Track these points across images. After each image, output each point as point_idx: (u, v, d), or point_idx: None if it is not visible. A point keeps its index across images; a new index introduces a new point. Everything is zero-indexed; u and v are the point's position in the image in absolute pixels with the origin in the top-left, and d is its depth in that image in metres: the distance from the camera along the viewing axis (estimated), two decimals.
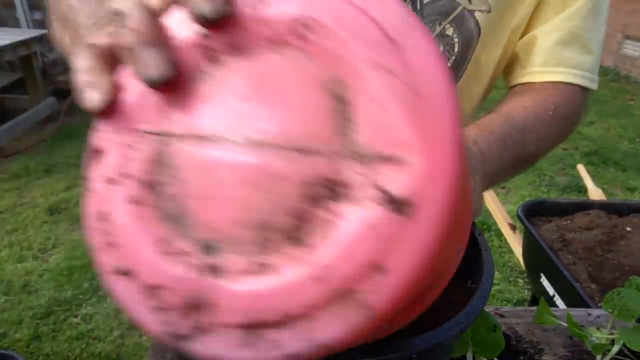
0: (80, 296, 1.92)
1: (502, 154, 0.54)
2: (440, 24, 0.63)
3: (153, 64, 0.21)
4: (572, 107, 0.65)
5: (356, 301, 0.17)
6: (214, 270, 0.19)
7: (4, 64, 3.81)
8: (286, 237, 0.18)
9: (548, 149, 0.65)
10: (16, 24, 3.81)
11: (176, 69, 0.21)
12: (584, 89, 0.67)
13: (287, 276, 0.18)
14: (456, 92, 0.59)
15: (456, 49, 0.64)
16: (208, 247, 0.19)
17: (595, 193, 1.82)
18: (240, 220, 0.19)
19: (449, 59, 0.66)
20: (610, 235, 1.25)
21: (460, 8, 0.62)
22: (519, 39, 0.68)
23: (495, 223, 2.01)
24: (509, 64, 0.71)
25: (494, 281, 2.10)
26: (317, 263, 0.17)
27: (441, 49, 0.64)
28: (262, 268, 0.18)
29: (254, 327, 0.18)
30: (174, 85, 0.21)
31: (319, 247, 0.17)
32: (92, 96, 0.24)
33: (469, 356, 0.50)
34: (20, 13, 3.78)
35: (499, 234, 2.23)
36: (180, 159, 0.20)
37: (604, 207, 1.39)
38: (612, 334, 0.55)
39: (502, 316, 0.65)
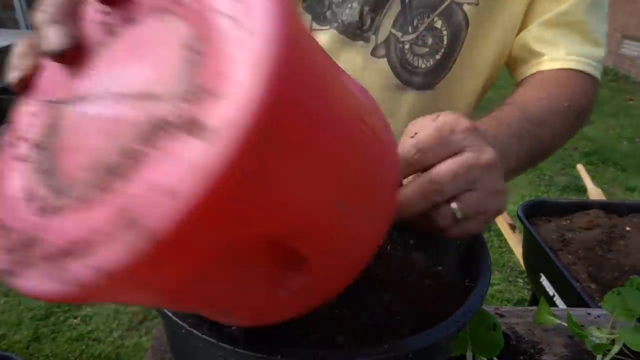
0: None
1: (518, 150, 0.53)
2: (428, 17, 0.63)
3: (53, 38, 0.25)
4: (586, 97, 0.64)
5: (142, 227, 0.17)
6: (52, 210, 0.21)
7: (3, 66, 3.82)
8: (113, 174, 0.19)
9: (562, 142, 0.63)
10: (15, 26, 3.81)
11: (73, 42, 0.25)
12: (594, 80, 0.66)
13: (93, 209, 0.19)
14: (447, 84, 0.56)
15: (445, 42, 0.65)
16: (57, 191, 0.21)
17: (594, 193, 1.82)
18: (84, 165, 0.21)
19: (437, 51, 0.65)
20: (610, 235, 1.25)
21: (448, 1, 0.62)
22: (517, 34, 0.67)
23: (494, 223, 2.01)
24: (514, 62, 0.70)
25: (494, 281, 2.10)
26: (119, 194, 0.18)
27: (430, 41, 0.64)
28: (82, 203, 0.20)
29: (61, 257, 0.19)
30: (76, 58, 0.24)
31: (129, 180, 0.18)
32: (12, 75, 0.29)
33: (469, 355, 0.50)
34: (19, 14, 3.78)
35: (499, 234, 2.23)
36: (64, 121, 0.24)
37: (604, 207, 1.39)
38: (612, 333, 0.55)
39: (502, 316, 0.65)
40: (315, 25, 0.64)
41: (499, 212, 0.40)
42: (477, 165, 0.37)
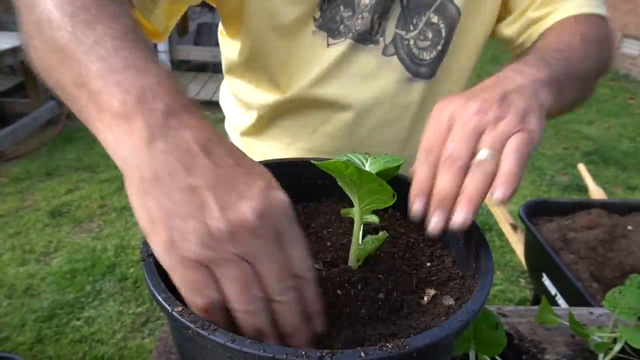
0: (83, 299, 1.93)
1: (543, 65, 0.52)
2: (425, 14, 0.70)
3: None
4: (599, 31, 0.66)
5: None
6: None
7: (5, 68, 3.83)
8: None
9: (593, 71, 0.63)
10: (17, 29, 3.81)
11: None
12: (602, 18, 0.69)
13: None
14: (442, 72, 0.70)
15: (443, 34, 0.72)
16: None
17: (596, 192, 1.82)
18: None
19: (438, 43, 0.72)
20: (611, 234, 1.25)
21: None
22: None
23: (496, 223, 2.01)
24: (514, 46, 0.74)
25: (496, 281, 2.10)
26: None
27: (430, 35, 0.71)
28: None
29: None
30: None
31: None
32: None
33: (472, 354, 0.50)
34: None
35: (500, 234, 2.23)
36: None
37: (605, 206, 1.39)
38: (614, 332, 0.55)
39: (504, 315, 0.65)
40: (331, 41, 0.70)
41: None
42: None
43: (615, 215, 1.35)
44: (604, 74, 0.68)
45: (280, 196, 0.33)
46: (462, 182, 0.40)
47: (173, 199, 0.31)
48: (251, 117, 0.80)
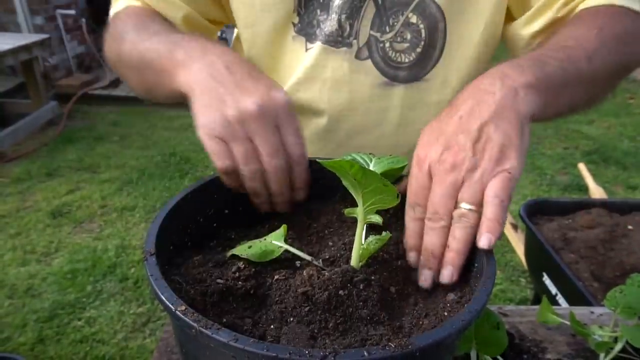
0: (84, 299, 1.93)
1: (532, 67, 0.50)
2: (402, 14, 0.67)
3: None
4: (624, 25, 0.60)
5: None
6: None
7: (6, 69, 3.83)
8: None
9: (608, 69, 0.58)
10: (17, 29, 3.82)
11: None
12: (635, 12, 0.62)
13: None
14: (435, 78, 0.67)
15: (423, 34, 0.68)
16: None
17: (596, 192, 1.82)
18: None
19: (418, 45, 0.68)
20: (611, 234, 1.25)
21: None
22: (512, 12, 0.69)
23: None
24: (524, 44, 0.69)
25: (496, 281, 2.10)
26: None
27: (409, 36, 0.68)
28: None
29: None
30: None
31: None
32: None
33: (473, 354, 0.50)
34: (21, 18, 3.79)
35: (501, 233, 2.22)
36: None
37: (606, 205, 1.39)
38: (615, 331, 0.55)
39: (505, 315, 0.65)
40: (308, 45, 0.69)
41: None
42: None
43: (615, 214, 1.35)
44: (627, 72, 0.63)
45: (278, 95, 0.48)
46: (447, 238, 0.44)
47: (206, 97, 0.48)
48: None
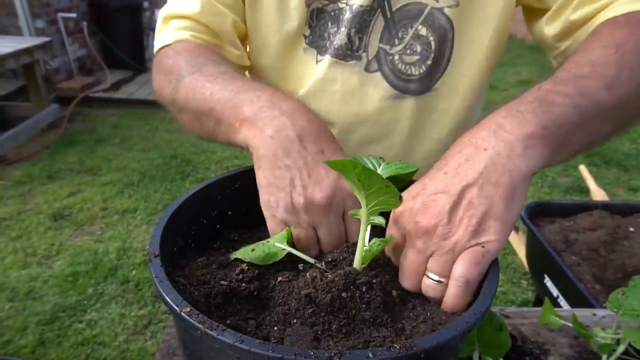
0: (85, 302, 1.93)
1: (534, 112, 0.44)
2: (412, 27, 0.66)
3: None
4: None
5: None
6: None
7: (7, 72, 3.84)
8: None
9: (633, 91, 0.50)
10: (18, 33, 3.83)
11: None
12: None
13: None
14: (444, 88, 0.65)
15: (433, 46, 0.67)
16: None
17: (597, 194, 1.82)
18: None
19: (428, 57, 0.68)
20: (613, 236, 1.25)
21: (428, 9, 0.65)
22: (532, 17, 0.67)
23: None
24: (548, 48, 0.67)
25: (498, 283, 2.10)
26: None
27: (419, 49, 0.67)
28: None
29: None
30: None
31: None
32: None
33: (476, 356, 0.50)
34: (22, 22, 3.80)
35: None
36: None
37: (607, 207, 1.39)
38: (617, 333, 0.55)
39: (507, 317, 0.65)
40: (319, 57, 0.69)
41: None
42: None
43: (617, 216, 1.35)
44: None
45: (346, 185, 0.46)
46: None
47: (274, 173, 0.46)
48: None
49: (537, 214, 1.41)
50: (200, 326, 0.31)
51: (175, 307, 0.32)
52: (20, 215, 2.49)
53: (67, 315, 1.85)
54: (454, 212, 0.41)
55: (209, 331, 0.30)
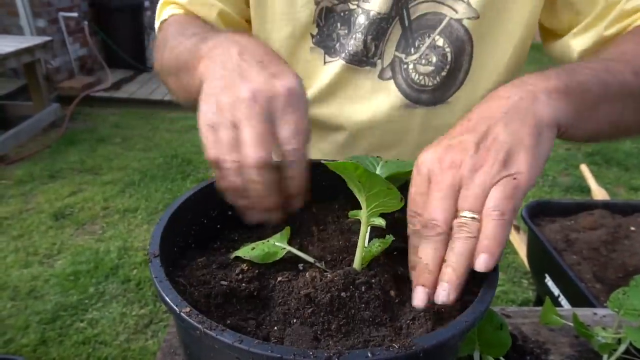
0: (86, 301, 1.93)
1: (558, 75, 0.44)
2: (429, 36, 0.65)
3: None
4: None
5: None
6: None
7: (8, 71, 3.84)
8: None
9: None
10: (20, 32, 3.84)
11: None
12: None
13: None
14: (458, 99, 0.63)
15: (449, 58, 0.66)
16: None
17: (598, 193, 1.82)
18: None
19: (443, 69, 0.67)
20: (614, 235, 1.25)
21: (447, 19, 0.64)
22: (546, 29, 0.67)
23: None
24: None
25: (499, 282, 2.10)
26: None
27: (434, 59, 0.66)
28: None
29: None
30: None
31: None
32: None
33: (476, 355, 0.50)
34: (23, 21, 3.81)
35: None
36: None
37: (608, 206, 1.39)
38: (618, 333, 0.55)
39: (508, 316, 0.65)
40: (327, 58, 0.68)
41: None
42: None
43: (618, 215, 1.35)
44: None
45: (280, 82, 0.42)
46: (444, 252, 0.38)
47: (212, 85, 0.44)
48: None
49: (538, 213, 1.40)
50: (200, 326, 0.31)
51: (175, 307, 0.32)
52: (21, 214, 2.49)
53: (69, 314, 1.86)
54: (481, 146, 0.39)
55: (208, 331, 0.30)
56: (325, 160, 0.40)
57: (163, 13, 0.71)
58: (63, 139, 3.36)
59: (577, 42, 0.63)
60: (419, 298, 0.38)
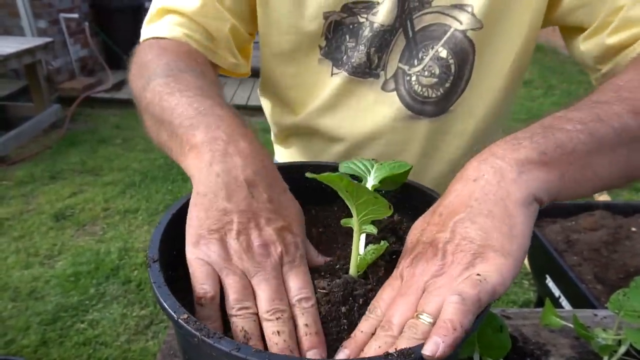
0: (87, 302, 1.93)
1: (540, 136, 0.41)
2: (432, 48, 0.64)
3: None
4: None
5: None
6: None
7: (9, 72, 3.84)
8: None
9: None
10: (21, 33, 3.84)
11: None
12: None
13: None
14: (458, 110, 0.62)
15: (453, 69, 0.65)
16: None
17: (599, 194, 1.81)
18: None
19: (447, 80, 0.66)
20: (615, 236, 1.25)
21: (451, 30, 0.63)
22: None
23: None
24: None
25: None
26: None
27: (437, 71, 0.65)
28: None
29: None
30: None
31: None
32: None
33: (476, 357, 0.50)
34: (24, 22, 3.81)
35: None
36: None
37: (609, 207, 1.39)
38: (618, 334, 0.55)
39: (508, 318, 0.65)
40: (335, 70, 0.67)
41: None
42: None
43: (619, 216, 1.35)
44: None
45: (289, 238, 0.41)
46: (383, 344, 0.35)
47: (209, 213, 0.39)
48: (274, 129, 0.83)
49: (539, 214, 1.40)
50: (197, 333, 0.30)
51: (173, 313, 0.32)
52: (22, 215, 2.49)
53: (69, 315, 1.86)
54: (448, 248, 0.37)
55: (205, 339, 0.30)
56: (311, 173, 0.38)
57: (156, 25, 0.63)
58: (64, 140, 3.36)
59: (584, 47, 0.62)
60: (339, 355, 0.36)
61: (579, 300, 1.11)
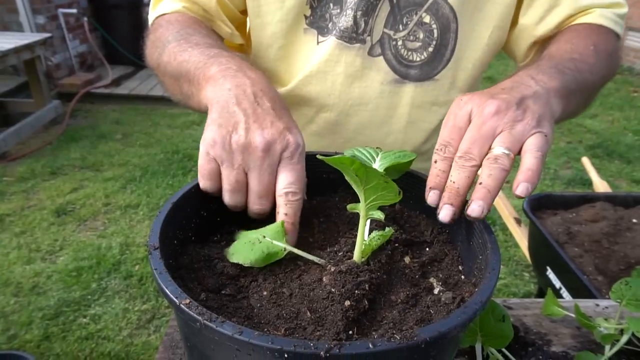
0: (89, 297, 1.94)
1: (557, 74, 0.54)
2: (416, 14, 0.68)
3: None
4: (611, 45, 0.66)
5: None
6: None
7: (8, 68, 3.84)
8: None
9: (600, 81, 0.64)
10: (20, 29, 3.83)
11: None
12: (615, 34, 0.69)
13: None
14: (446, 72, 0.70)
15: (435, 34, 0.69)
16: None
17: (600, 185, 1.81)
18: None
19: (430, 44, 0.70)
20: (616, 227, 1.25)
21: None
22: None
23: (500, 217, 2.01)
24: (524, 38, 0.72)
25: (500, 275, 2.09)
26: None
27: (421, 36, 0.69)
28: None
29: None
30: None
31: None
32: None
33: (478, 346, 0.50)
34: (23, 18, 3.79)
35: (504, 228, 2.22)
36: None
37: (610, 199, 1.39)
38: (620, 323, 0.55)
39: (510, 308, 0.65)
40: (320, 38, 0.70)
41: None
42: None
43: (619, 208, 1.35)
44: (606, 84, 0.69)
45: (291, 138, 0.46)
46: (473, 178, 0.44)
47: (221, 114, 0.46)
48: None
49: (540, 206, 1.40)
50: (200, 318, 0.30)
51: (175, 299, 0.32)
52: (23, 211, 2.50)
53: (71, 310, 1.86)
54: (520, 106, 0.46)
55: (208, 323, 0.30)
56: (322, 153, 0.40)
57: (159, 6, 0.70)
58: (64, 135, 3.36)
59: (524, 19, 0.70)
60: (446, 214, 0.44)
61: (580, 291, 1.11)
